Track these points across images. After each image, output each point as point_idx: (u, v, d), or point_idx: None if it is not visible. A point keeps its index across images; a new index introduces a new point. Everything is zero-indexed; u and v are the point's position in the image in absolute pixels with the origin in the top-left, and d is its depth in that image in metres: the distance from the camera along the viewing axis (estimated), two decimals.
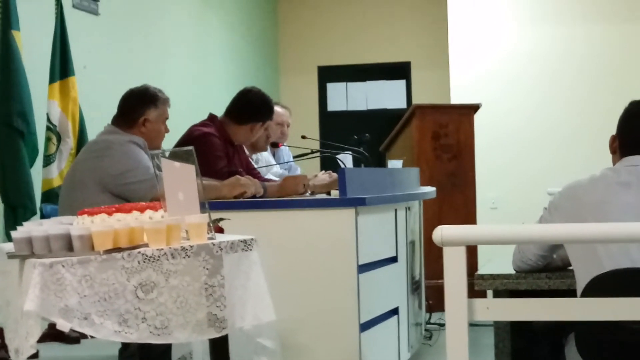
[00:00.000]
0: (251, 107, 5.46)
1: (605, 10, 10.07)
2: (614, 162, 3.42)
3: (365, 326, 4.61)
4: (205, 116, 5.52)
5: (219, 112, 5.59)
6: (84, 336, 6.43)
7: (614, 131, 3.44)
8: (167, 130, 4.95)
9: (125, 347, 4.67)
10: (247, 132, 5.44)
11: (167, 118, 4.93)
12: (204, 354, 3.69)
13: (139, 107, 4.84)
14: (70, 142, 6.28)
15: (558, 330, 3.36)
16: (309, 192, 5.25)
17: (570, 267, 3.36)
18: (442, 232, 2.46)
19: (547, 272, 3.47)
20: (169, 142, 5.38)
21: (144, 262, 3.05)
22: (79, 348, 6.42)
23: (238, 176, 4.89)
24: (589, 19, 10.09)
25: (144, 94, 4.89)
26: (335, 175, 5.25)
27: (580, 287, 3.20)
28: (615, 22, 10.05)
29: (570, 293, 3.29)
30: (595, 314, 2.52)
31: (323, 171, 5.82)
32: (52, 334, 6.29)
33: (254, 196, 4.79)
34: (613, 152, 3.45)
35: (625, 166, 3.32)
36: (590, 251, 3.15)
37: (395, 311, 5.23)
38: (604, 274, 3.09)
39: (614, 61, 10.02)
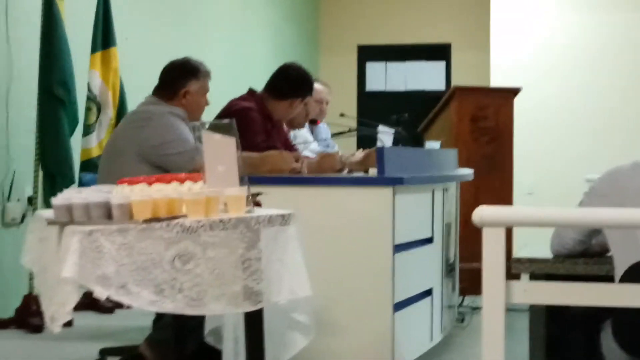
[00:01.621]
0: (291, 82, 5.45)
1: None
2: None
3: (398, 306, 4.61)
4: (244, 91, 5.51)
5: (259, 87, 5.58)
6: (118, 306, 6.49)
7: None
8: (207, 103, 4.96)
9: (159, 317, 4.69)
10: (287, 108, 5.43)
11: (207, 91, 4.94)
12: (235, 328, 3.70)
13: (180, 78, 4.85)
14: (110, 112, 6.31)
15: (594, 317, 3.34)
16: (346, 169, 5.24)
17: (609, 254, 3.34)
18: (482, 213, 2.44)
19: (585, 257, 3.45)
20: (208, 116, 5.39)
21: (182, 232, 3.05)
22: (112, 317, 6.47)
23: (282, 151, 4.90)
24: (630, 7, 9.99)
25: (185, 66, 4.91)
26: (372, 150, 5.22)
27: (618, 273, 3.18)
28: None
29: (608, 279, 3.26)
30: (633, 300, 2.50)
31: (360, 149, 5.82)
32: (86, 303, 6.35)
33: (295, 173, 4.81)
34: None
35: None
36: (630, 237, 3.13)
37: (429, 292, 5.22)
38: None
39: None
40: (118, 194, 3.20)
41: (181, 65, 4.91)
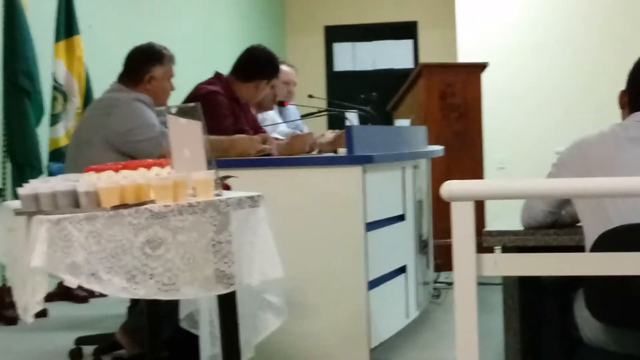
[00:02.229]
0: (256, 63, 5.44)
1: None
2: (623, 117, 3.39)
3: (373, 284, 4.62)
4: (211, 75, 5.49)
5: (225, 71, 5.56)
6: (92, 295, 6.46)
7: (624, 87, 3.41)
8: (172, 88, 4.94)
9: (133, 305, 4.68)
10: (253, 90, 5.42)
11: (172, 76, 4.92)
12: (210, 311, 3.70)
13: (144, 64, 4.82)
14: (76, 101, 6.28)
15: (566, 286, 3.35)
16: (316, 150, 5.23)
17: (579, 224, 3.35)
18: (450, 187, 2.44)
19: (555, 228, 3.46)
20: (175, 100, 5.37)
21: (151, 218, 3.04)
22: (87, 307, 6.45)
23: (251, 135, 4.88)
24: None
25: (149, 52, 4.88)
26: (341, 132, 5.22)
27: (588, 243, 3.18)
28: None
29: (579, 249, 3.27)
30: (604, 268, 2.51)
31: (330, 130, 5.81)
32: (60, 293, 6.34)
33: (265, 155, 4.79)
34: (622, 107, 3.42)
35: (634, 121, 3.29)
36: (598, 207, 3.14)
37: (403, 269, 5.23)
38: (612, 230, 3.07)
39: (621, 22, 9.95)
40: (85, 181, 3.18)
41: (145, 51, 4.89)
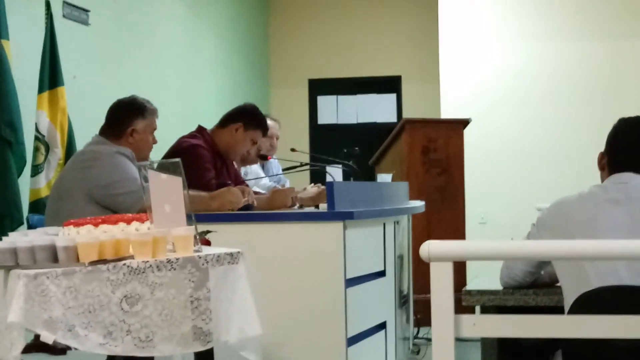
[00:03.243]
0: (235, 110, 5.47)
1: (595, 27, 10.10)
2: (602, 179, 3.41)
3: (352, 340, 4.59)
4: (194, 128, 5.50)
5: (209, 123, 5.57)
6: (70, 347, 6.40)
7: (603, 147, 3.44)
8: (155, 142, 4.93)
9: (111, 358, 4.64)
10: (229, 135, 5.38)
11: (155, 129, 4.92)
12: None
13: (126, 117, 4.82)
14: (58, 152, 6.26)
15: (545, 346, 3.34)
16: (297, 205, 5.23)
17: (558, 284, 3.35)
18: (429, 248, 2.44)
19: (534, 288, 3.46)
20: (157, 153, 5.36)
21: (129, 274, 3.03)
22: (65, 359, 6.38)
23: (230, 187, 4.86)
24: (579, 36, 10.11)
25: (131, 105, 4.89)
26: (323, 187, 5.23)
27: (567, 304, 3.19)
28: (604, 39, 10.07)
29: (558, 310, 3.27)
30: (582, 331, 2.51)
31: (312, 184, 5.81)
32: (37, 345, 6.25)
33: (246, 207, 4.77)
34: (601, 168, 3.44)
35: (613, 183, 3.31)
36: (578, 268, 3.14)
37: (382, 325, 5.21)
38: (591, 291, 3.08)
39: (603, 78, 10.04)
40: (64, 236, 3.17)
41: (127, 104, 4.89)
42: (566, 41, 10.12)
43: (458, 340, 2.45)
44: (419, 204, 6.28)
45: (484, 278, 3.80)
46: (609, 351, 2.98)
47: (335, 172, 5.96)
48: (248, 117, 5.43)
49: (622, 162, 3.34)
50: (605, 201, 3.26)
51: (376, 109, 11.64)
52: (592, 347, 2.97)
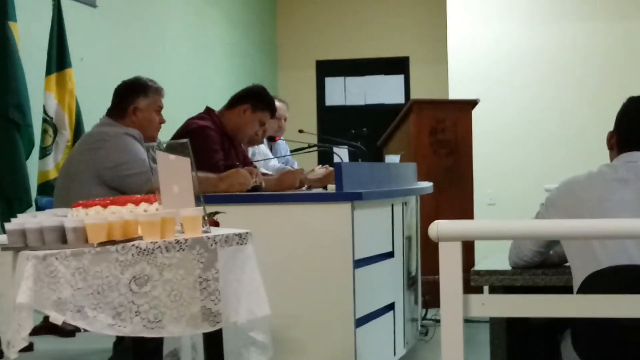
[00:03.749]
0: (243, 91, 5.46)
1: (605, 6, 10.06)
2: (612, 158, 3.40)
3: (360, 321, 4.59)
4: (202, 109, 5.49)
5: (217, 105, 5.57)
6: (79, 329, 6.40)
7: (612, 128, 3.42)
8: (162, 121, 4.93)
9: (119, 340, 4.65)
10: (237, 116, 5.37)
11: (160, 107, 4.91)
12: (192, 348, 3.68)
13: (128, 96, 4.84)
14: (66, 134, 6.27)
15: (554, 326, 3.34)
16: (306, 186, 5.22)
17: (567, 264, 3.35)
18: (438, 227, 2.44)
19: (543, 268, 3.46)
20: (166, 135, 5.37)
21: (138, 255, 3.03)
22: (73, 341, 6.40)
23: (239, 169, 4.85)
24: (589, 16, 10.08)
25: (133, 84, 4.90)
26: (331, 169, 5.21)
27: (576, 283, 3.18)
28: (617, 19, 10.04)
29: (567, 290, 3.27)
30: (591, 310, 2.51)
31: (320, 165, 5.80)
32: (46, 327, 6.26)
33: (254, 188, 4.77)
34: (610, 148, 3.43)
35: (623, 162, 3.30)
36: (587, 248, 3.14)
37: (391, 307, 5.21)
38: (600, 271, 3.08)
39: (614, 58, 10.01)
40: (72, 217, 3.17)
41: (130, 84, 4.91)
42: (576, 20, 10.09)
43: (467, 321, 2.45)
44: (427, 185, 6.27)
45: (493, 258, 3.80)
46: (616, 331, 2.98)
47: (342, 153, 5.95)
48: (256, 99, 5.42)
49: (632, 141, 3.33)
50: (614, 180, 3.25)
51: (384, 90, 11.62)
52: (601, 327, 2.97)
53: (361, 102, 11.66)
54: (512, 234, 2.68)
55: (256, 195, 4.72)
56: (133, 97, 4.84)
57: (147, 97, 4.87)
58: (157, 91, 4.92)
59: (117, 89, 4.92)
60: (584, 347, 3.14)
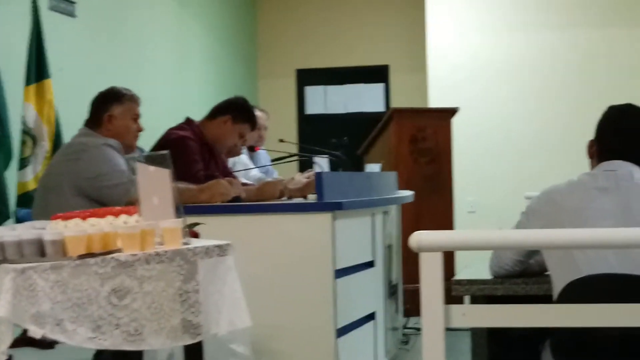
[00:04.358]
0: (224, 102, 5.46)
1: (582, 15, 10.11)
2: (592, 167, 3.41)
3: (341, 331, 4.59)
4: (182, 119, 5.48)
5: (197, 115, 5.56)
6: (59, 342, 6.38)
7: (592, 136, 3.43)
8: (140, 129, 4.91)
9: (99, 352, 4.62)
10: (218, 127, 5.37)
11: (137, 115, 4.89)
12: (171, 357, 3.67)
13: (102, 105, 4.84)
14: (45, 145, 6.23)
15: (535, 336, 3.34)
16: (286, 196, 5.22)
17: (547, 272, 3.35)
18: (419, 238, 2.44)
19: (524, 277, 3.46)
20: (146, 144, 5.35)
21: (118, 267, 3.02)
22: (53, 353, 6.34)
23: (219, 180, 4.84)
24: (567, 25, 10.12)
25: (108, 92, 4.92)
26: (312, 174, 5.21)
27: (556, 291, 3.19)
28: (596, 28, 10.08)
29: (547, 298, 3.27)
30: (571, 320, 2.51)
31: (299, 173, 5.80)
32: (25, 339, 6.24)
33: (235, 199, 4.76)
34: (591, 156, 3.44)
35: (603, 171, 3.31)
36: (567, 256, 3.14)
37: (372, 316, 5.21)
38: (580, 279, 3.08)
39: (594, 67, 10.04)
40: (52, 229, 3.16)
41: (104, 92, 4.92)
42: (555, 29, 10.13)
43: (448, 329, 2.45)
44: (407, 194, 6.28)
45: (474, 267, 3.80)
46: (596, 339, 2.98)
47: (323, 163, 5.95)
48: (237, 111, 5.42)
49: (611, 149, 3.34)
50: (594, 189, 3.25)
51: (364, 98, 11.63)
52: (580, 336, 2.97)
53: (341, 111, 11.67)
54: (492, 244, 2.69)
55: (236, 205, 4.71)
56: (107, 105, 4.84)
57: (122, 104, 4.86)
58: (132, 99, 4.91)
59: (93, 100, 4.92)
60: (563, 356, 3.14)
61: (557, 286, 3.18)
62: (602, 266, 3.07)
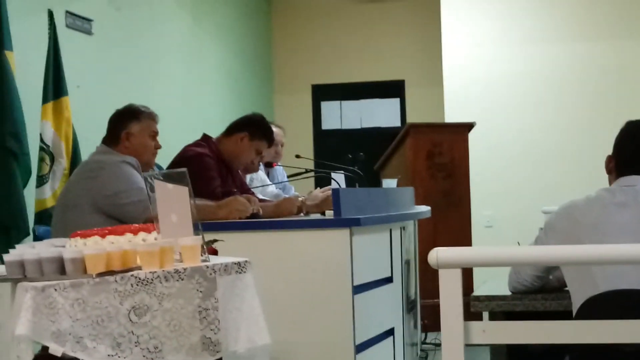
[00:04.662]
0: (241, 119, 5.47)
1: (599, 28, 10.10)
2: (610, 182, 3.41)
3: (360, 347, 4.58)
4: (198, 136, 5.50)
5: (213, 131, 5.57)
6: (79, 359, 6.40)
7: (610, 151, 3.43)
8: (158, 146, 4.92)
9: None
10: (234, 144, 5.38)
11: (155, 132, 4.90)
12: None
13: (120, 122, 4.85)
14: (63, 162, 6.26)
15: (554, 353, 3.34)
16: (304, 212, 5.22)
17: (567, 288, 3.35)
18: (438, 255, 2.44)
19: (543, 293, 3.46)
20: (163, 162, 5.37)
21: (137, 285, 3.03)
22: None
23: (237, 196, 4.85)
24: (584, 37, 10.11)
25: (126, 110, 4.93)
26: (329, 192, 5.21)
27: (575, 307, 3.18)
28: (610, 39, 10.06)
29: (567, 314, 3.27)
30: (590, 336, 2.51)
31: (318, 188, 5.80)
32: (45, 356, 6.27)
33: (252, 215, 4.77)
34: (609, 172, 3.44)
35: (620, 186, 3.30)
36: (586, 272, 3.14)
37: (390, 332, 5.20)
38: (598, 295, 3.07)
39: (610, 79, 10.02)
40: (71, 247, 3.17)
41: (122, 110, 4.94)
42: (571, 42, 10.12)
43: (467, 345, 2.45)
44: (424, 209, 6.27)
45: (492, 283, 3.80)
46: (615, 356, 2.97)
47: (339, 178, 5.95)
48: (254, 127, 5.43)
49: (630, 165, 3.34)
50: (612, 204, 3.25)
51: (380, 113, 11.64)
52: (599, 353, 2.96)
53: (357, 126, 11.67)
54: (511, 260, 2.68)
55: (255, 222, 4.71)
56: (125, 123, 4.85)
57: (140, 122, 4.87)
58: (150, 116, 4.93)
59: (111, 117, 4.93)
60: None
61: (576, 302, 3.18)
62: (621, 282, 3.07)
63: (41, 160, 6.20)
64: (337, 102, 11.76)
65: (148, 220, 3.91)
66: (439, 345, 6.51)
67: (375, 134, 11.37)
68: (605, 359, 3.01)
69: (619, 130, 3.41)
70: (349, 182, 6.11)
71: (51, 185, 6.19)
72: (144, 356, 3.02)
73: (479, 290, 3.63)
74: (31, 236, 5.89)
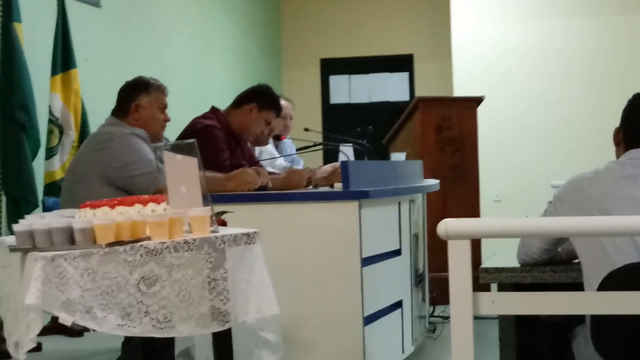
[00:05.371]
0: (249, 90, 5.46)
1: (611, 2, 10.05)
2: (618, 155, 3.39)
3: (368, 319, 4.59)
4: (207, 109, 5.49)
5: (222, 104, 5.57)
6: (88, 329, 6.42)
7: (617, 122, 3.41)
8: (167, 119, 4.92)
9: (128, 340, 4.66)
10: (243, 116, 5.37)
11: (164, 105, 4.91)
12: (207, 348, 3.68)
13: (130, 94, 4.85)
14: (72, 134, 6.27)
15: (564, 323, 3.34)
16: (313, 185, 5.22)
17: (576, 260, 3.34)
18: (447, 226, 2.44)
19: (551, 265, 3.45)
20: (171, 134, 5.37)
21: (147, 255, 3.03)
22: (82, 341, 6.41)
23: (246, 168, 4.85)
24: (594, 12, 10.07)
25: (135, 82, 4.93)
26: (338, 166, 5.21)
27: (588, 281, 3.17)
28: (621, 14, 10.02)
29: (575, 286, 3.26)
30: (601, 307, 2.50)
31: (328, 164, 5.80)
32: (55, 327, 6.27)
33: (261, 187, 4.77)
34: (617, 144, 3.42)
35: (629, 159, 3.29)
36: (597, 245, 3.12)
37: (399, 304, 5.21)
38: (616, 271, 3.05)
39: (619, 53, 10.00)
40: (80, 218, 3.17)
41: (132, 82, 4.94)
42: (580, 16, 10.08)
43: (475, 318, 2.45)
44: (433, 183, 6.26)
45: (501, 256, 3.79)
46: (630, 328, 2.96)
47: (348, 151, 5.95)
48: (262, 98, 5.43)
49: (638, 137, 3.32)
50: (621, 177, 3.24)
51: (389, 87, 11.62)
52: (621, 323, 2.94)
53: (366, 100, 11.66)
54: (521, 231, 2.68)
55: (263, 194, 4.72)
56: (135, 95, 4.85)
57: (149, 95, 4.87)
58: (160, 89, 4.92)
59: (120, 89, 4.93)
60: (603, 342, 3.10)
61: (589, 275, 3.16)
62: (634, 254, 3.06)
63: (50, 132, 6.21)
64: (345, 76, 11.75)
65: (157, 192, 3.92)
66: (447, 318, 6.52)
67: (383, 108, 11.36)
68: (627, 330, 3.00)
69: (627, 103, 3.39)
70: (358, 155, 6.11)
71: (60, 157, 6.21)
72: (153, 326, 3.03)
73: (487, 262, 3.63)
74: (40, 208, 5.91)
